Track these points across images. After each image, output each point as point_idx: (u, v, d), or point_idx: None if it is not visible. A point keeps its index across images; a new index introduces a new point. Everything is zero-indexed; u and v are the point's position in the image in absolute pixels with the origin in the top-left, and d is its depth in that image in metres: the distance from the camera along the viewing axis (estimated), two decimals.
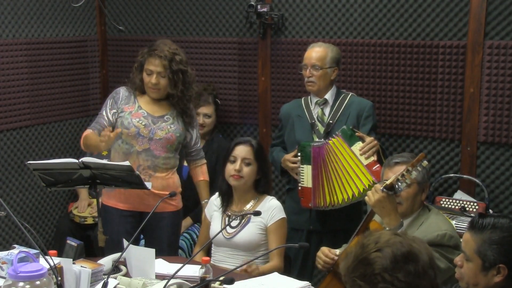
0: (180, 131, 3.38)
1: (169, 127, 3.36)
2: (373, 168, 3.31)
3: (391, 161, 2.94)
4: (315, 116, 3.57)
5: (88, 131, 3.34)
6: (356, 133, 3.36)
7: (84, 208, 4.37)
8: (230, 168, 3.16)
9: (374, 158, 3.32)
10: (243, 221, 3.15)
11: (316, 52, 3.52)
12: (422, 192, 2.82)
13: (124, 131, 3.34)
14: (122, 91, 3.44)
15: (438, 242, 2.67)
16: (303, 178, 3.46)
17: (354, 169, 3.35)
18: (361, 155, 3.33)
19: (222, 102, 4.51)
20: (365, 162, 3.33)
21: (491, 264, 2.13)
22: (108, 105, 3.40)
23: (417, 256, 1.81)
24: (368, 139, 3.34)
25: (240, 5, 4.38)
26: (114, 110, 3.38)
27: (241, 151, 3.16)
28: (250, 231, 3.12)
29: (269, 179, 3.29)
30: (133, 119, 3.34)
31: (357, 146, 3.34)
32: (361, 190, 3.34)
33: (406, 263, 1.79)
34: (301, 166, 3.45)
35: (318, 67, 3.50)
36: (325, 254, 2.85)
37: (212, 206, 3.29)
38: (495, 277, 2.14)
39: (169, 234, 3.44)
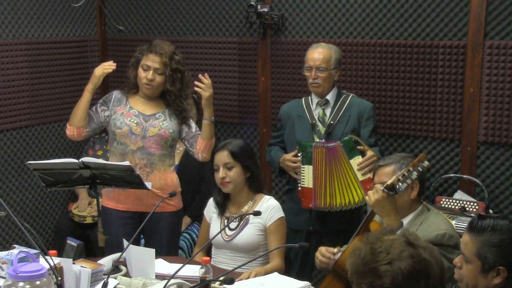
0: (173, 128, 3.39)
1: (161, 124, 3.37)
2: (368, 186, 3.31)
3: (377, 164, 2.97)
4: (316, 117, 3.57)
5: None
6: (358, 147, 3.35)
7: (85, 207, 4.38)
8: (217, 177, 3.18)
9: (370, 176, 3.32)
10: (242, 222, 3.15)
11: (320, 53, 3.52)
12: (410, 190, 2.81)
13: (117, 132, 3.36)
14: (115, 93, 3.47)
15: (438, 242, 2.67)
16: (304, 178, 3.45)
17: (351, 181, 3.37)
18: (358, 170, 3.33)
19: (222, 102, 4.51)
20: (361, 178, 3.35)
21: (490, 266, 2.13)
22: (98, 103, 3.46)
23: (428, 272, 1.78)
24: (369, 154, 3.34)
25: (240, 5, 4.38)
26: (104, 107, 3.43)
27: (220, 157, 3.17)
28: (249, 233, 3.12)
29: (258, 174, 3.27)
30: (124, 119, 3.36)
31: (356, 160, 3.34)
32: (356, 201, 3.38)
33: (417, 280, 1.76)
34: (302, 166, 3.45)
35: (323, 69, 3.50)
36: (322, 253, 2.86)
37: (211, 207, 3.29)
38: (494, 279, 2.13)
39: (168, 234, 3.44)
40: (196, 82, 3.36)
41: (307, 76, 3.55)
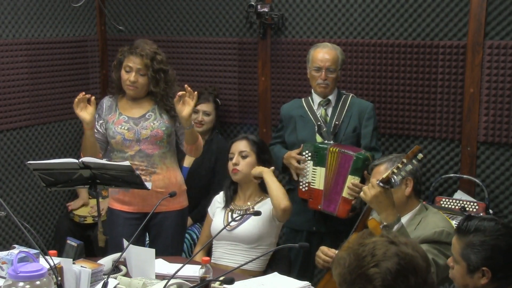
0: (166, 125, 3.37)
1: (152, 124, 3.36)
2: (342, 206, 3.35)
3: (372, 164, 2.98)
4: (319, 117, 3.56)
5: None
6: (365, 173, 3.33)
7: (77, 206, 4.38)
8: (229, 165, 3.21)
9: (353, 202, 3.34)
10: (245, 215, 3.16)
11: (328, 54, 3.51)
12: (405, 187, 2.80)
13: (112, 141, 3.37)
14: (104, 102, 3.45)
15: (436, 239, 2.67)
16: (314, 179, 3.45)
17: (337, 190, 3.38)
18: (348, 187, 3.33)
19: (222, 102, 4.51)
20: (345, 194, 3.35)
21: (475, 267, 2.17)
22: (95, 119, 3.40)
23: (415, 266, 1.79)
24: (364, 186, 3.34)
25: (240, 5, 4.38)
26: (101, 121, 3.41)
27: (237, 146, 3.23)
28: (251, 224, 3.13)
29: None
30: (116, 128, 3.35)
31: (353, 179, 3.33)
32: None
33: (406, 276, 1.77)
34: (314, 167, 3.45)
35: (333, 70, 3.51)
36: (325, 253, 2.86)
37: (216, 203, 3.32)
38: (481, 280, 2.17)
39: (174, 233, 3.44)
40: (180, 93, 3.18)
41: (314, 77, 3.53)
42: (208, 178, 4.08)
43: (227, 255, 3.17)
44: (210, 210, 3.35)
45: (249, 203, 3.21)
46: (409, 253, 1.79)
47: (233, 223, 3.15)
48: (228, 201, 3.25)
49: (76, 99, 3.20)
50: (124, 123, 3.36)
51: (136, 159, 3.33)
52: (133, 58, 3.33)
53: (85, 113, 3.21)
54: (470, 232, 2.19)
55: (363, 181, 3.33)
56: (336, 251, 2.84)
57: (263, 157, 3.23)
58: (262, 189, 3.22)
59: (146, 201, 3.35)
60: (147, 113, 3.39)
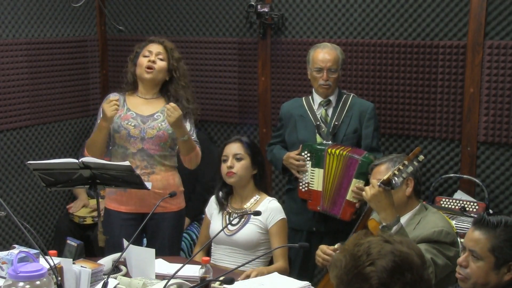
0: (172, 128, 3.37)
1: (159, 125, 3.35)
2: (346, 209, 3.36)
3: (372, 164, 2.98)
4: (318, 117, 3.56)
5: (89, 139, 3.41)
6: (369, 176, 3.33)
7: (78, 208, 4.38)
8: (223, 168, 3.18)
9: (357, 205, 3.35)
10: (243, 219, 3.15)
11: (329, 54, 3.50)
12: (405, 187, 2.80)
13: (116, 136, 3.35)
14: (111, 97, 3.43)
15: (435, 239, 2.67)
16: (313, 180, 3.45)
17: (341, 193, 3.38)
18: (352, 190, 3.34)
19: (222, 102, 4.52)
20: (349, 197, 3.36)
21: (505, 261, 2.13)
22: (99, 114, 3.39)
23: (410, 263, 1.79)
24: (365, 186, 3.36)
25: (240, 5, 4.38)
26: None
27: (231, 148, 3.20)
28: (250, 230, 3.12)
29: (265, 174, 3.28)
30: (122, 122, 3.34)
31: (357, 183, 3.33)
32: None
33: (402, 273, 1.76)
34: (312, 168, 3.44)
35: (334, 70, 3.50)
36: (324, 251, 2.86)
37: (213, 204, 3.30)
38: (505, 275, 2.14)
39: (170, 234, 3.43)
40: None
41: (315, 78, 3.52)
42: (191, 172, 4.06)
43: (226, 257, 3.17)
44: (207, 210, 3.33)
45: (246, 206, 3.20)
46: (403, 250, 1.79)
47: (232, 228, 3.14)
48: (223, 205, 3.24)
49: (112, 104, 3.20)
50: (132, 119, 3.34)
51: (137, 157, 3.32)
52: (153, 45, 3.39)
53: (111, 110, 3.20)
54: (499, 226, 2.14)
55: (368, 184, 3.32)
56: (336, 246, 2.85)
57: (257, 159, 3.21)
58: (258, 187, 3.22)
59: (143, 201, 3.34)
60: (156, 113, 3.38)
